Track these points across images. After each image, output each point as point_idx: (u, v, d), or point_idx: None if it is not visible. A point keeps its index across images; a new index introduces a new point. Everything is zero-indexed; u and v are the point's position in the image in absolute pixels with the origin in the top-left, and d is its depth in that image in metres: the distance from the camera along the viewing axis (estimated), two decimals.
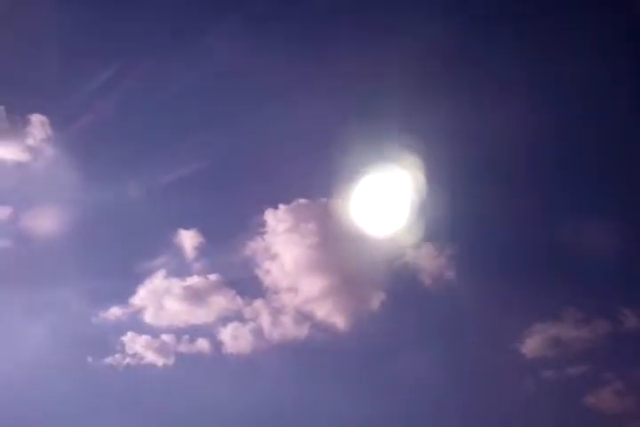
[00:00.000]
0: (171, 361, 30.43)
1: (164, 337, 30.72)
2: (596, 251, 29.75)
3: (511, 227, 32.41)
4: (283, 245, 32.17)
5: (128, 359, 30.08)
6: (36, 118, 30.74)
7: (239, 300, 31.59)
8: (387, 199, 30.48)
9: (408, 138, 31.80)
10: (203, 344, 30.71)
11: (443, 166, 31.40)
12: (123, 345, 30.29)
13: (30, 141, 30.76)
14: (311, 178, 31.06)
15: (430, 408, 29.61)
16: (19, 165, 30.77)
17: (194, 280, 31.53)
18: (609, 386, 28.95)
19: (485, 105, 30.77)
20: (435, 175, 31.10)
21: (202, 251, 31.64)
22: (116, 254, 31.45)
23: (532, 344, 30.52)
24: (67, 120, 31.08)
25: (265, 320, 31.42)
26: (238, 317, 31.36)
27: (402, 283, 31.33)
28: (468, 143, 30.72)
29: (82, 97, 30.90)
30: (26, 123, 30.65)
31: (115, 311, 30.64)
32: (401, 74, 31.00)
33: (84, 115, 30.60)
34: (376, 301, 31.29)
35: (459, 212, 32.48)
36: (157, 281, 30.94)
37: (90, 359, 30.07)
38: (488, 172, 31.97)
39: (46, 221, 30.43)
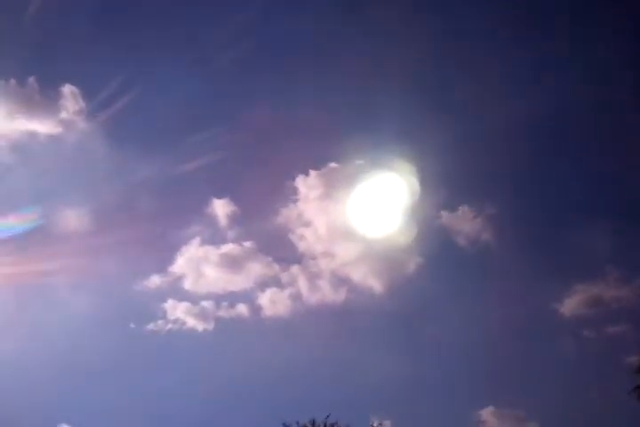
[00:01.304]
0: (211, 326, 31.02)
1: (204, 303, 31.18)
2: (635, 209, 29.83)
3: (548, 186, 32.10)
4: (316, 210, 32.14)
5: (170, 325, 30.67)
6: (68, 89, 30.52)
7: (276, 266, 31.82)
8: (422, 160, 29.87)
9: (445, 98, 31.47)
10: (242, 309, 31.13)
11: (476, 126, 31.12)
12: (164, 312, 30.87)
13: (63, 115, 30.69)
14: (342, 141, 30.52)
15: (469, 368, 29.49)
16: (52, 139, 30.76)
17: (229, 248, 31.91)
18: None
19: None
20: (468, 136, 30.74)
21: (235, 219, 31.99)
22: (151, 223, 31.92)
23: (572, 304, 30.08)
24: (98, 90, 30.68)
25: (302, 285, 31.61)
26: (275, 282, 31.66)
27: (438, 245, 31.09)
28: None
29: (113, 66, 30.63)
30: (58, 95, 30.48)
31: (155, 280, 31.22)
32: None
33: (116, 85, 30.12)
34: (412, 263, 31.21)
35: (495, 172, 32.22)
36: (193, 249, 31.39)
37: (132, 325, 30.85)
38: (525, 131, 31.62)
39: (81, 195, 30.93)
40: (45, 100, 30.57)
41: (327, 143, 31.09)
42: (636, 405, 22.46)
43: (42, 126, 30.43)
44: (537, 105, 29.82)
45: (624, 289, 29.87)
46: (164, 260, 31.32)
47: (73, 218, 30.25)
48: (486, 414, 28.58)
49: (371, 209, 30.35)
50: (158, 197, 31.64)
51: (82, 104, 30.72)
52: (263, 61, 32.30)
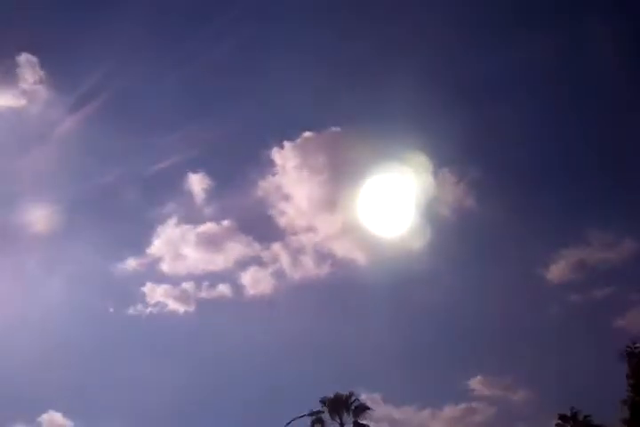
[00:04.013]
0: (192, 308, 30.23)
1: (184, 285, 30.38)
2: (620, 170, 29.30)
3: (531, 148, 31.55)
4: (294, 183, 31.37)
5: (150, 309, 29.82)
6: (25, 58, 28.54)
7: (256, 244, 31.09)
8: (400, 122, 28.76)
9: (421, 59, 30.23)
10: (224, 289, 30.39)
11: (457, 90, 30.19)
12: (143, 295, 30.01)
13: (23, 85, 28.80)
14: (315, 107, 29.71)
15: (456, 338, 29.52)
16: (14, 111, 29.10)
17: (207, 227, 31.00)
18: (637, 307, 28.82)
19: None
20: (448, 97, 29.92)
21: (212, 194, 30.97)
22: (123, 201, 30.72)
23: (558, 269, 29.87)
24: (59, 59, 29.18)
25: (285, 262, 31.12)
26: (257, 261, 31.00)
27: (421, 213, 29.96)
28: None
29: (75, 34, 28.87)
30: (14, 65, 28.44)
31: (131, 262, 30.22)
32: None
33: (78, 52, 28.45)
34: (395, 233, 29.98)
35: (476, 134, 30.96)
36: (169, 229, 30.31)
37: (111, 310, 30.11)
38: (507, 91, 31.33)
39: (47, 169, 29.39)
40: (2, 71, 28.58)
41: (300, 111, 29.85)
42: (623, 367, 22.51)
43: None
44: (520, 68, 29.92)
45: (609, 252, 30.07)
46: (139, 241, 30.31)
47: (41, 198, 29.07)
48: (475, 383, 28.67)
49: (350, 179, 29.45)
50: (130, 173, 30.21)
51: (41, 73, 28.86)
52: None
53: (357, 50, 29.73)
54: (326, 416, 23.46)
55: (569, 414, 25.64)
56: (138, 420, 27.77)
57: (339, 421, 23.03)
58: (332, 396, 23.40)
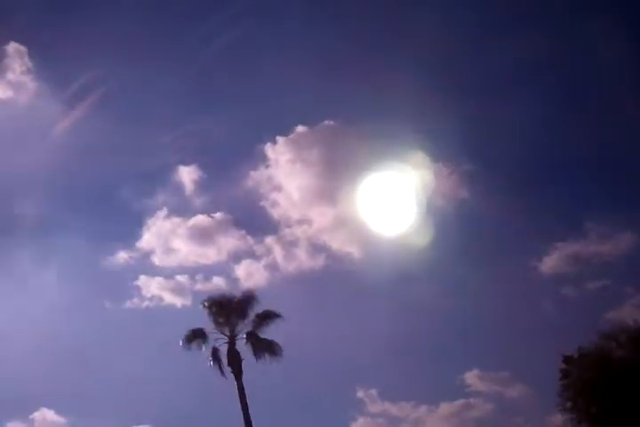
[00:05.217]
0: (189, 301, 28.59)
1: (179, 278, 29.24)
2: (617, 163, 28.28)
3: (529, 142, 29.72)
4: (287, 176, 30.63)
5: (147, 302, 28.84)
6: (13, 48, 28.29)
7: (249, 237, 30.20)
8: (395, 116, 27.71)
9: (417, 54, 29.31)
10: (219, 282, 28.94)
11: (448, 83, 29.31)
12: (138, 289, 29.12)
13: (10, 76, 28.67)
14: (309, 101, 29.41)
15: (451, 331, 27.99)
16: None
17: (199, 219, 30.31)
18: (631, 300, 26.98)
19: None
20: (445, 93, 29.04)
21: (204, 187, 30.70)
22: (112, 194, 30.85)
23: (552, 261, 28.78)
24: (49, 50, 28.79)
25: (278, 255, 29.79)
26: (250, 254, 29.77)
27: (417, 206, 28.34)
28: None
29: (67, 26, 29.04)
30: (2, 54, 28.10)
31: (122, 256, 29.83)
32: None
33: (69, 44, 28.24)
34: (390, 226, 28.14)
35: (472, 128, 29.41)
36: (160, 222, 29.96)
37: (108, 305, 29.48)
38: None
39: (34, 163, 29.40)
40: None
41: (293, 106, 29.60)
42: None
43: None
44: (513, 61, 29.35)
45: (605, 245, 28.96)
46: (131, 235, 30.17)
47: (29, 192, 29.53)
48: (471, 377, 27.60)
49: (344, 171, 28.99)
50: (121, 166, 30.74)
51: (30, 64, 28.87)
52: None
53: (354, 46, 30.08)
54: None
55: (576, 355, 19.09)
56: (134, 416, 25.77)
57: (228, 333, 17.86)
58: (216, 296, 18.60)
